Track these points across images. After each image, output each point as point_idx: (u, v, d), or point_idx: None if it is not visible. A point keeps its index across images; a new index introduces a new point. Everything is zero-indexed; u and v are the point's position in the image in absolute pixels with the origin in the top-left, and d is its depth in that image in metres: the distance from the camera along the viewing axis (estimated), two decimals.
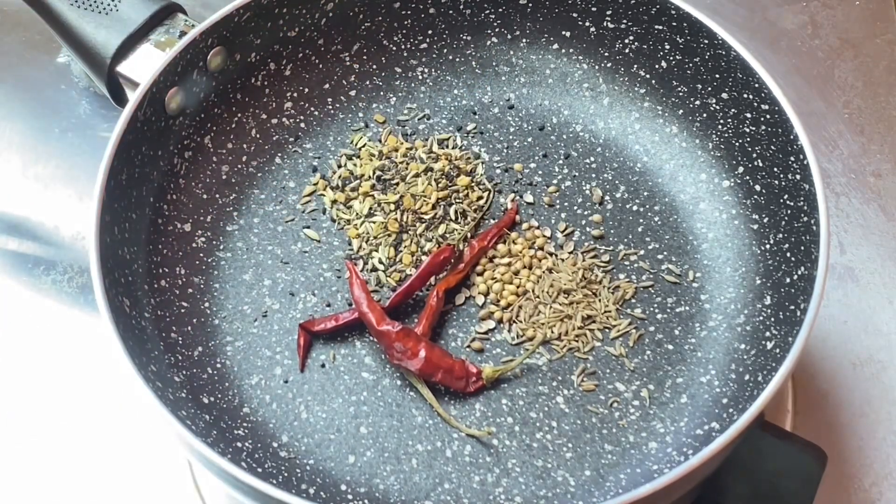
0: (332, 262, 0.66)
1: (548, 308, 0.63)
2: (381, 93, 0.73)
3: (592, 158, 0.70)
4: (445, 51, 0.73)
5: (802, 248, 0.60)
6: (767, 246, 0.63)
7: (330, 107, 0.72)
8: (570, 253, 0.66)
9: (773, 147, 0.63)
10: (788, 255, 0.61)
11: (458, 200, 0.67)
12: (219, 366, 0.62)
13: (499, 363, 0.62)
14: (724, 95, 0.66)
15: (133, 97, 0.62)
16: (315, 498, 0.56)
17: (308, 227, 0.67)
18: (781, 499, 0.55)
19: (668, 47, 0.68)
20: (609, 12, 0.69)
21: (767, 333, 0.60)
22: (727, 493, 0.55)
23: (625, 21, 0.69)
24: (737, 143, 0.66)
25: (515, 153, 0.70)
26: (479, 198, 0.68)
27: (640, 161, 0.70)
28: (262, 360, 0.62)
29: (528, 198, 0.68)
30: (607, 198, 0.68)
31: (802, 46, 0.84)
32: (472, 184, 0.68)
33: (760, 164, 0.64)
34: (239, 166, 0.69)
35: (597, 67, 0.72)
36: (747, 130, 0.65)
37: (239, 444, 0.57)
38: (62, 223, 0.75)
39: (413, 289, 0.63)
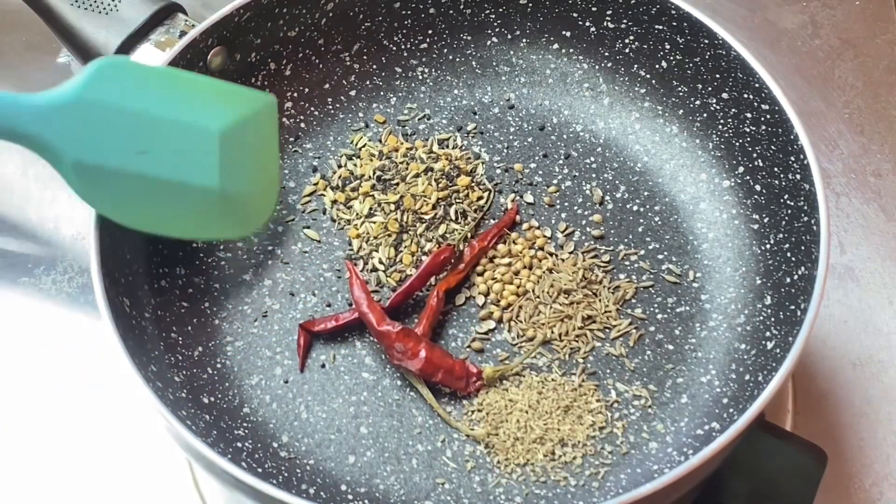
0: (332, 262, 0.66)
1: (548, 308, 0.63)
2: (381, 93, 0.73)
3: (592, 158, 0.70)
4: (445, 51, 0.73)
5: (803, 248, 0.60)
6: (768, 246, 0.63)
7: (330, 107, 0.72)
8: (571, 253, 0.66)
9: (773, 147, 0.63)
10: (789, 254, 0.61)
11: (458, 200, 0.67)
12: (219, 366, 0.62)
13: (499, 363, 0.62)
14: (725, 95, 0.66)
15: None
16: (315, 498, 0.56)
17: (308, 227, 0.67)
18: (781, 499, 0.55)
19: (668, 47, 0.68)
20: (609, 12, 0.69)
21: (768, 333, 0.60)
22: (727, 493, 0.55)
23: (625, 21, 0.69)
24: (737, 143, 0.66)
25: (515, 153, 0.70)
26: (480, 198, 0.68)
27: (640, 161, 0.70)
28: (262, 360, 0.62)
29: (529, 198, 0.68)
30: (607, 198, 0.68)
31: (802, 46, 0.84)
32: (473, 184, 0.68)
33: (761, 164, 0.65)
34: None
35: (597, 67, 0.72)
36: (747, 130, 0.65)
37: (239, 444, 0.57)
38: (62, 223, 0.75)
39: (413, 289, 0.63)
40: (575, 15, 0.71)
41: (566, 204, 0.68)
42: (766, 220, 0.64)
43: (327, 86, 0.72)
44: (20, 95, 0.51)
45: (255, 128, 0.57)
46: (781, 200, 0.63)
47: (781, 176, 0.63)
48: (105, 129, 0.52)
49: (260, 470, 0.56)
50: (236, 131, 0.56)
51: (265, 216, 0.58)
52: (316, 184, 0.69)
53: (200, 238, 0.58)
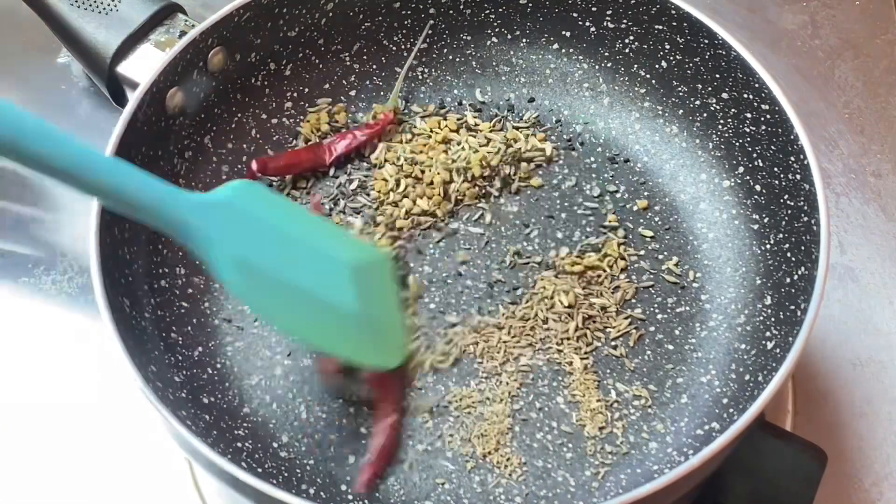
0: None
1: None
2: (381, 93, 0.73)
3: (592, 158, 0.70)
4: (445, 51, 0.73)
5: (803, 248, 0.60)
6: (768, 246, 0.63)
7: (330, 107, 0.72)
8: (568, 253, 0.66)
9: (773, 147, 0.63)
10: (789, 255, 0.61)
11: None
12: (219, 366, 0.62)
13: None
14: (725, 95, 0.66)
15: (133, 97, 0.62)
16: (315, 498, 0.56)
17: None
18: (781, 499, 0.55)
19: (668, 47, 0.68)
20: (609, 12, 0.69)
21: (768, 333, 0.60)
22: (727, 493, 0.55)
23: (625, 21, 0.69)
24: (737, 143, 0.66)
25: None
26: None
27: (640, 161, 0.70)
28: (262, 360, 0.62)
29: None
30: (607, 198, 0.68)
31: (802, 46, 0.84)
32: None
33: (761, 164, 0.65)
34: (239, 166, 0.69)
35: (597, 67, 0.72)
36: (747, 130, 0.65)
37: (239, 444, 0.57)
38: (62, 223, 0.75)
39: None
40: (575, 15, 0.71)
41: (566, 204, 0.68)
42: (766, 220, 0.64)
43: (327, 86, 0.72)
44: (173, 188, 0.54)
45: (378, 272, 0.62)
46: (781, 200, 0.63)
47: (781, 176, 0.63)
48: (254, 233, 0.55)
49: (260, 470, 0.56)
50: (364, 270, 0.60)
51: (399, 356, 0.61)
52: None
53: (346, 357, 0.59)
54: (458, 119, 0.71)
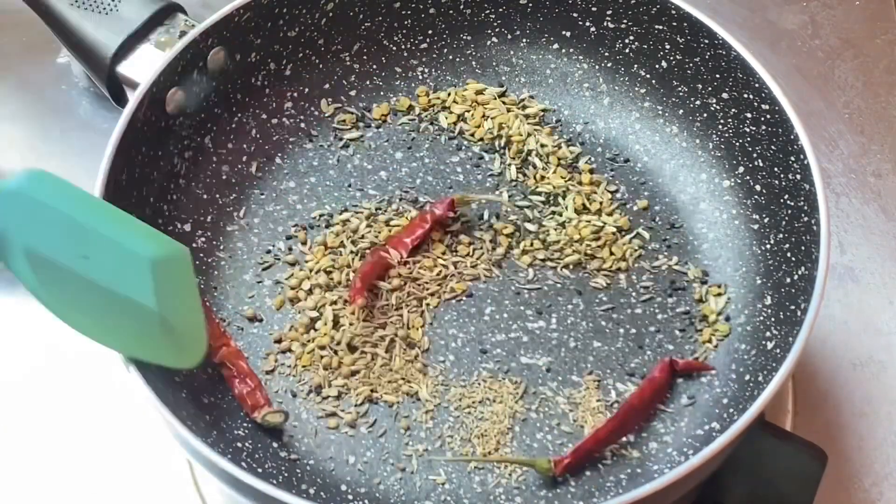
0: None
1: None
2: (381, 93, 0.73)
3: (592, 158, 0.70)
4: (445, 51, 0.73)
5: (803, 248, 0.60)
6: (768, 246, 0.63)
7: (330, 107, 0.72)
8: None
9: (773, 147, 0.63)
10: (789, 255, 0.61)
11: None
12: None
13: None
14: (725, 95, 0.66)
15: (133, 97, 0.62)
16: (315, 498, 0.56)
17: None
18: (781, 499, 0.55)
19: (668, 47, 0.68)
20: (609, 12, 0.69)
21: (768, 333, 0.60)
22: (727, 493, 0.55)
23: (625, 21, 0.69)
24: (737, 143, 0.66)
25: None
26: None
27: (640, 161, 0.70)
28: (261, 360, 0.62)
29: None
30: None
31: (802, 46, 0.84)
32: None
33: (761, 164, 0.65)
34: (239, 166, 0.69)
35: (597, 67, 0.72)
36: (747, 130, 0.65)
37: (239, 444, 0.57)
38: None
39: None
40: (575, 15, 0.71)
41: None
42: (766, 220, 0.64)
43: (327, 86, 0.72)
44: None
45: (178, 268, 0.57)
46: (781, 200, 0.63)
47: (781, 176, 0.63)
48: (48, 225, 0.52)
49: (260, 470, 0.56)
50: (164, 265, 0.55)
51: (198, 356, 0.57)
52: None
53: (141, 358, 0.56)
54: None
